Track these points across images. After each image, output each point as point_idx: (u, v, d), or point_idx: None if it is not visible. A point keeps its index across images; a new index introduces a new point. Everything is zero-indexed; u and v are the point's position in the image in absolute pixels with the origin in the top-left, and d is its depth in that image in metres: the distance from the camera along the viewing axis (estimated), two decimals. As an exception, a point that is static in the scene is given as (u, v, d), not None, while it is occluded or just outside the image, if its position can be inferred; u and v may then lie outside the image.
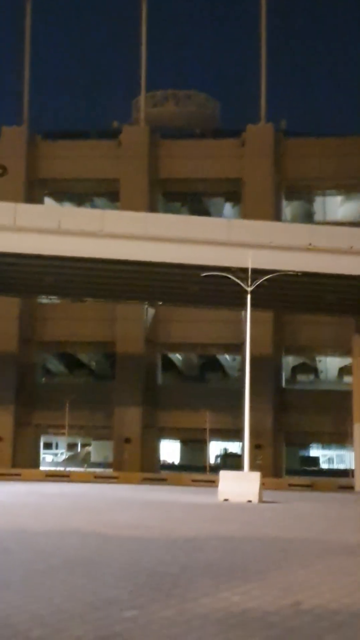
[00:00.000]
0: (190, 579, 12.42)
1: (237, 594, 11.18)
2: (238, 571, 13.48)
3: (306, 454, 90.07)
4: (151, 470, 65.57)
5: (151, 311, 68.50)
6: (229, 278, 42.20)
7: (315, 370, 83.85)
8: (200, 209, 74.71)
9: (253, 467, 42.79)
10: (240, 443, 56.92)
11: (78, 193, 74.51)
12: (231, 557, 15.66)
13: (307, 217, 77.25)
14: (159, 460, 75.22)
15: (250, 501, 34.94)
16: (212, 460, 78.09)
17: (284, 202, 73.30)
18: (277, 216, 67.56)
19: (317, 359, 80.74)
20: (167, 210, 73.90)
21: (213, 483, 41.64)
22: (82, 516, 24.86)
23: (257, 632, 8.87)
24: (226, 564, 14.52)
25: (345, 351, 64.37)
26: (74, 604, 10.11)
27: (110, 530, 19.88)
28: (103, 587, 11.51)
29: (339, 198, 76.83)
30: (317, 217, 77.39)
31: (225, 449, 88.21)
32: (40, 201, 71.19)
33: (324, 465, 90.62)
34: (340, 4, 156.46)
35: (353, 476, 56.38)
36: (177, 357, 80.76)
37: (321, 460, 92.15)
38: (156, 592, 11.13)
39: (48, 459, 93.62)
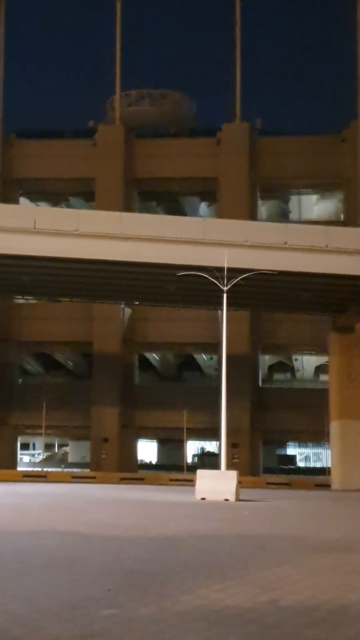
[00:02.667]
0: (168, 577, 12.43)
1: (216, 591, 11.20)
2: (216, 569, 13.50)
3: (283, 453, 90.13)
4: (129, 470, 65.48)
5: (128, 311, 68.37)
6: (205, 277, 42.22)
7: (291, 369, 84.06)
8: (175, 208, 74.66)
9: (230, 466, 42.85)
10: (218, 442, 56.98)
11: (53, 193, 74.22)
12: (209, 554, 15.69)
13: (283, 215, 77.36)
14: (137, 460, 75.12)
15: (227, 500, 35.02)
16: (189, 460, 78.07)
17: (260, 201, 73.37)
18: (252, 215, 67.58)
19: (294, 357, 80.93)
20: (143, 209, 73.80)
21: (191, 482, 41.66)
22: (60, 516, 24.79)
23: (236, 629, 8.89)
24: (204, 561, 14.54)
25: (322, 349, 64.60)
26: (53, 603, 10.09)
27: (88, 530, 19.85)
28: (81, 585, 11.50)
29: (314, 197, 77.06)
30: (293, 215, 77.55)
31: (203, 448, 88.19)
32: (16, 201, 70.83)
33: (300, 464, 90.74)
34: (314, 3, 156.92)
35: (329, 474, 56.65)
36: (154, 356, 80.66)
37: (298, 459, 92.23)
38: (135, 591, 11.13)
39: (25, 460, 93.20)
